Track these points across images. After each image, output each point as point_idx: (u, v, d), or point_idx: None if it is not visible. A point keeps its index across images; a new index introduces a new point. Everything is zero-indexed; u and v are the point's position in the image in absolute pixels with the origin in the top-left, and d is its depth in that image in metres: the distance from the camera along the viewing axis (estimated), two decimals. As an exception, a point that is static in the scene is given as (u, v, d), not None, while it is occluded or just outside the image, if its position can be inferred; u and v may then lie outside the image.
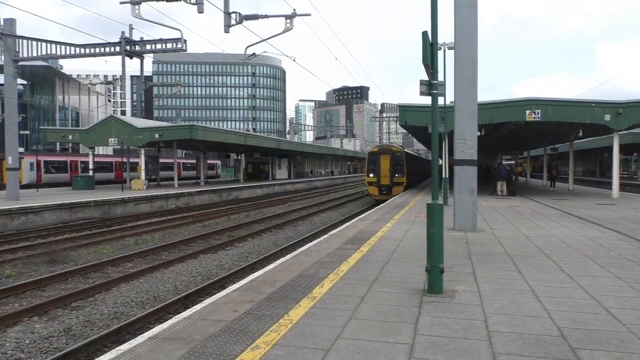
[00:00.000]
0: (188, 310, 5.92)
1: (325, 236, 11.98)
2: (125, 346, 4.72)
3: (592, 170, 65.02)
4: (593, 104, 23.09)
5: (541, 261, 8.72)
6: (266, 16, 24.66)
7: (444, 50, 22.04)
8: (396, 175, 31.41)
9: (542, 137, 34.85)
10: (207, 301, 6.28)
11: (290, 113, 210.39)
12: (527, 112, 22.73)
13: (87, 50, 26.82)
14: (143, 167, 36.82)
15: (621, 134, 24.90)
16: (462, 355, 4.40)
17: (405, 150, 36.70)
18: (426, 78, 7.80)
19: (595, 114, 22.95)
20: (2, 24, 25.34)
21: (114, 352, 4.56)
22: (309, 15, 25.10)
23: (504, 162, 43.64)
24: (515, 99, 23.66)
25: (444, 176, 21.23)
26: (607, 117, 22.87)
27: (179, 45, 26.66)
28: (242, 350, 4.53)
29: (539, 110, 22.66)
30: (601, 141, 43.04)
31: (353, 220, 15.42)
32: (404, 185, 31.57)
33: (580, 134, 26.69)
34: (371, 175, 32.08)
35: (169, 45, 27.07)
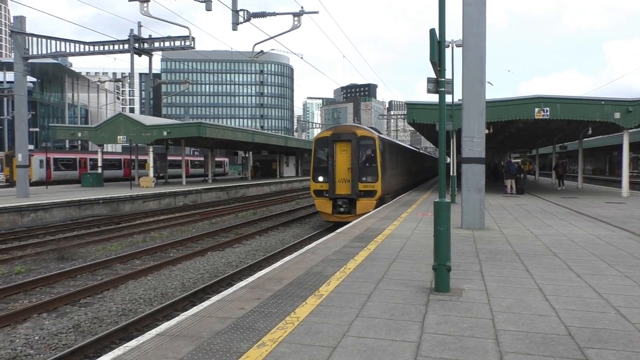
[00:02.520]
0: (195, 307, 5.94)
1: (332, 234, 11.97)
2: (132, 343, 4.74)
3: (601, 168, 64.60)
4: (603, 102, 22.90)
5: (549, 260, 8.68)
6: (274, 14, 24.62)
7: (452, 48, 21.95)
8: (363, 178, 19.12)
9: (551, 135, 34.65)
10: (214, 298, 6.30)
11: (298, 111, 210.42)
12: (536, 110, 22.59)
13: (96, 48, 26.90)
14: (151, 164, 37.00)
15: (631, 131, 24.71)
16: (469, 354, 4.38)
17: (383, 135, 23.31)
18: (434, 76, 7.77)
19: (605, 112, 22.76)
20: (12, 21, 25.50)
21: (121, 349, 4.58)
22: (316, 12, 25.03)
23: (513, 160, 43.40)
24: (523, 96, 23.50)
25: (451, 174, 21.15)
26: (617, 115, 22.68)
27: (188, 43, 26.63)
28: (248, 348, 4.54)
29: (547, 108, 22.51)
30: (611, 139, 42.79)
31: (360, 218, 15.40)
32: (378, 196, 19.38)
33: (590, 131, 26.48)
34: (320, 179, 19.51)
35: (178, 43, 27.05)
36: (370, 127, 22.97)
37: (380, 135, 21.49)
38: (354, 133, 19.43)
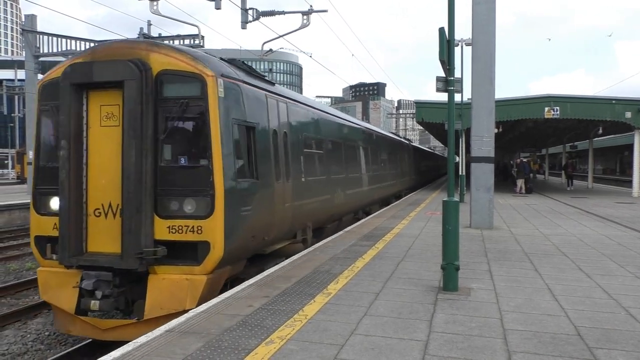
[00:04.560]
0: (204, 304, 5.97)
1: (341, 232, 11.97)
2: (142, 339, 4.78)
3: (612, 168, 64.11)
4: (613, 101, 22.76)
5: (559, 259, 8.64)
6: (283, 12, 24.60)
7: (462, 47, 21.88)
8: (173, 205, 6.37)
9: (560, 135, 34.44)
10: (223, 296, 6.32)
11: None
12: (546, 109, 22.49)
13: (106, 47, 27.06)
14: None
15: (642, 131, 24.52)
16: (477, 353, 4.38)
17: (256, 82, 8.11)
18: (443, 75, 7.76)
19: (615, 112, 22.62)
20: (23, 20, 25.72)
21: (131, 345, 4.62)
22: (325, 11, 24.94)
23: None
24: (533, 95, 23.42)
25: (460, 173, 21.08)
26: (628, 115, 22.53)
27: (197, 42, 26.67)
28: (257, 345, 4.56)
29: (557, 108, 22.40)
30: (621, 139, 42.47)
31: (368, 217, 15.40)
32: (218, 257, 6.40)
33: (600, 131, 26.31)
34: (51, 204, 6.72)
35: (187, 41, 27.07)
36: (217, 57, 7.67)
37: (227, 73, 7.22)
38: (138, 62, 6.52)
